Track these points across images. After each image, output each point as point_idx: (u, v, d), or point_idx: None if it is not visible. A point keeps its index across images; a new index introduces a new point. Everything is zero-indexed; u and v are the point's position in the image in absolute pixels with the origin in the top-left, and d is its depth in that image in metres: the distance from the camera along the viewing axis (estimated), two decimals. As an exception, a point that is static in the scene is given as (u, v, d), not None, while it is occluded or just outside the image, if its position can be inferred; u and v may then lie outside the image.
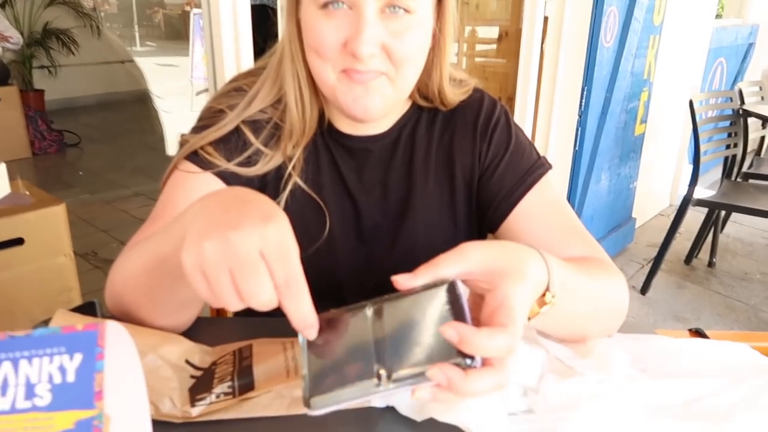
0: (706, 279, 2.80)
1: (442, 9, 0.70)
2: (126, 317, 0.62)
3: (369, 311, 0.47)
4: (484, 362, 0.43)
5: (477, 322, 0.45)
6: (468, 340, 0.42)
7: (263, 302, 0.43)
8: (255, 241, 0.43)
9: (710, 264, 2.92)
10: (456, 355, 0.42)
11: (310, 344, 0.47)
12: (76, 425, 0.33)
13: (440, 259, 0.48)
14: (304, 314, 0.44)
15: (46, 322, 0.57)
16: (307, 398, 0.43)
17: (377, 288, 0.50)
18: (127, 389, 0.40)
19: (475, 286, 0.49)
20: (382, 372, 0.43)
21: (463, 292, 0.47)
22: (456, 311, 0.44)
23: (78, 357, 0.34)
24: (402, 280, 0.47)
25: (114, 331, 0.37)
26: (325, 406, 0.43)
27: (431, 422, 0.52)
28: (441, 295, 0.46)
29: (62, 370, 0.34)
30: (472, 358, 0.42)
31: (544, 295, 0.52)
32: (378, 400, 0.55)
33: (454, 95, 0.78)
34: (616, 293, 0.67)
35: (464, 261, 0.47)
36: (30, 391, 0.34)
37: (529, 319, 0.52)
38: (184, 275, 0.44)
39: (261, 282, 0.42)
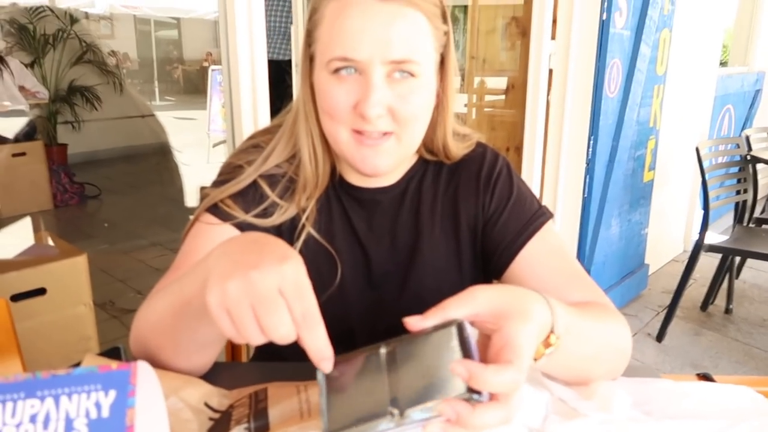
0: (723, 326, 2.77)
1: (444, 71, 0.76)
2: (149, 361, 0.65)
3: (383, 351, 0.50)
4: (491, 398, 0.45)
5: (484, 361, 0.48)
6: (476, 376, 0.44)
7: (283, 335, 0.47)
8: (274, 279, 0.47)
9: (727, 310, 2.88)
10: (464, 391, 0.44)
11: (329, 382, 0.50)
12: (110, 457, 0.36)
13: (449, 302, 0.51)
14: (320, 347, 0.48)
15: (76, 366, 0.60)
16: None
17: (387, 331, 0.53)
18: (153, 426, 0.43)
19: (482, 327, 0.52)
20: (395, 409, 0.45)
21: (472, 332, 0.49)
22: (464, 350, 0.47)
23: (112, 394, 0.38)
24: (413, 322, 0.50)
25: (144, 371, 0.40)
26: None
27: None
28: (450, 335, 0.48)
29: (98, 405, 0.37)
30: (479, 393, 0.44)
31: (548, 337, 0.54)
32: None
33: (458, 149, 0.82)
34: (619, 336, 0.69)
35: (471, 303, 0.50)
36: (69, 426, 0.37)
37: (535, 360, 0.54)
38: (209, 314, 0.48)
39: (281, 316, 0.46)
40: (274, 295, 0.47)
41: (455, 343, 0.48)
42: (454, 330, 0.49)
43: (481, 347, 0.51)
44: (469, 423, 0.44)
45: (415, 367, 0.48)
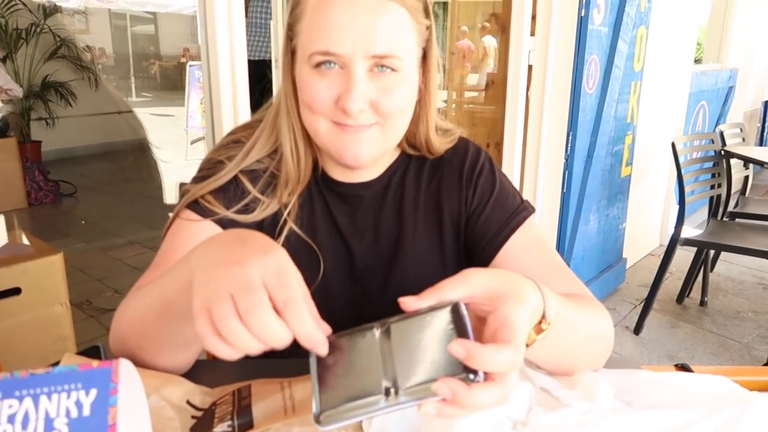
0: (698, 318, 2.82)
1: (426, 66, 0.76)
2: (129, 360, 0.64)
3: (377, 331, 0.50)
4: (487, 377, 0.45)
5: (480, 342, 0.47)
6: (474, 355, 0.44)
7: (273, 333, 0.45)
8: (256, 271, 0.46)
9: (702, 303, 2.94)
10: (460, 371, 0.44)
11: (320, 363, 0.49)
12: (91, 456, 0.35)
13: (444, 284, 0.50)
14: (308, 332, 0.47)
15: (55, 365, 0.59)
16: (317, 414, 0.45)
17: None
18: (135, 425, 0.42)
19: (476, 309, 0.52)
20: (390, 388, 0.45)
21: (466, 313, 0.49)
22: (460, 330, 0.46)
23: (93, 392, 0.37)
24: (408, 302, 0.49)
25: (126, 369, 0.40)
26: (334, 422, 0.45)
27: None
28: (445, 316, 0.48)
29: (79, 404, 0.37)
30: (475, 373, 0.44)
31: (540, 322, 0.54)
32: (381, 420, 0.57)
33: (441, 144, 0.83)
34: (603, 326, 0.70)
35: (466, 285, 0.50)
36: (49, 425, 0.36)
37: (527, 346, 0.54)
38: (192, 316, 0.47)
39: (263, 310, 0.44)
40: (256, 286, 0.46)
41: (451, 323, 0.47)
42: (448, 310, 0.48)
43: (474, 332, 0.51)
44: (465, 402, 0.43)
45: (410, 346, 0.47)
